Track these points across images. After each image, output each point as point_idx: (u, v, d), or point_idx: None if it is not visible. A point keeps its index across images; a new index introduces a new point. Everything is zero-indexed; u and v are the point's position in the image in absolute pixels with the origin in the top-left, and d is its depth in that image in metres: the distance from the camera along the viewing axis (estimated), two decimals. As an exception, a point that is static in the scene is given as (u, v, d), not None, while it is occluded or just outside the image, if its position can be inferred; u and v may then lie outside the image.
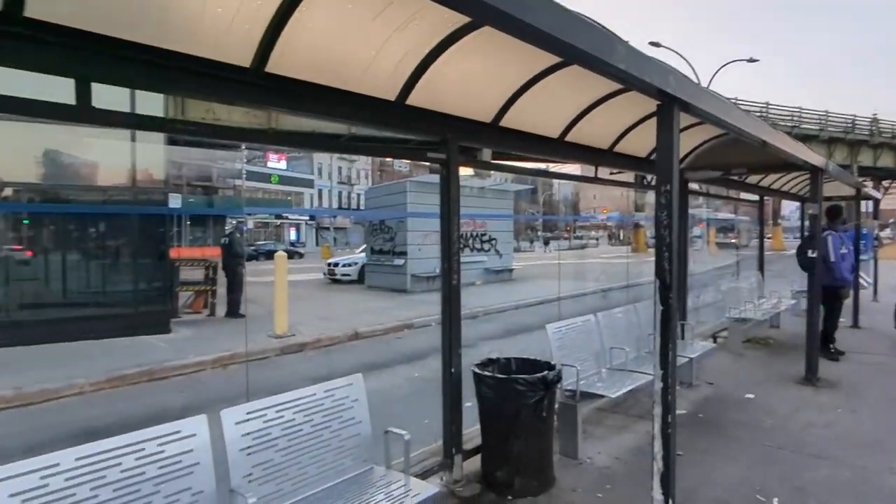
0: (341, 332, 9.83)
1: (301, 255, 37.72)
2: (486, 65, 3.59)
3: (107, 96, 2.48)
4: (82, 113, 2.36)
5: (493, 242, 19.47)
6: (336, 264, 20.34)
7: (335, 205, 61.21)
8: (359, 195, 61.14)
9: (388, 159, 65.47)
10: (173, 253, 11.23)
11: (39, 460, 2.00)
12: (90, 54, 2.29)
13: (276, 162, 50.34)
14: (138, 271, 10.27)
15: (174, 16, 2.44)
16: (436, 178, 4.23)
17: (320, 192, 58.79)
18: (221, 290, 11.77)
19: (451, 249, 3.89)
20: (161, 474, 2.25)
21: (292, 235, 53.32)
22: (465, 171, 4.19)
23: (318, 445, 2.86)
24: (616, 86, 3.87)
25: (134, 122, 3.43)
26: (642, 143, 5.57)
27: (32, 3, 2.07)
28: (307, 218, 55.91)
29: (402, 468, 2.99)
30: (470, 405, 3.91)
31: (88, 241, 10.48)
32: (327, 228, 56.39)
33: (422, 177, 18.61)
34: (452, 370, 3.86)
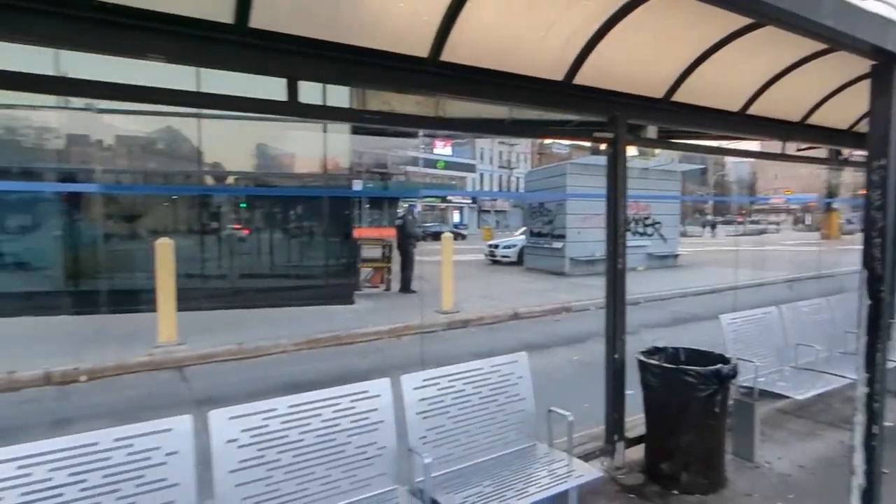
0: (502, 312, 9.98)
1: (463, 237, 38.92)
2: (659, 36, 3.33)
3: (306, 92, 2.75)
4: (292, 108, 2.66)
5: (657, 226, 18.24)
6: (496, 246, 20.62)
7: (496, 188, 61.93)
8: (518, 178, 61.09)
9: (546, 142, 64.40)
10: (355, 233, 12.29)
11: (262, 404, 2.34)
12: (298, 56, 2.56)
13: (442, 148, 52.20)
14: (329, 248, 11.46)
15: (363, 14, 2.63)
16: (596, 159, 4.08)
17: (482, 176, 59.83)
18: (395, 267, 12.60)
19: (618, 232, 3.73)
20: (352, 427, 2.50)
21: (455, 218, 55.14)
22: (628, 151, 3.96)
23: (484, 417, 2.95)
24: (817, 46, 3.35)
25: (332, 114, 3.78)
26: (843, 112, 4.78)
27: (255, 15, 2.37)
28: (470, 201, 57.38)
29: (565, 448, 2.97)
30: (631, 393, 3.74)
31: (290, 222, 12.00)
32: (488, 211, 57.40)
33: (582, 159, 18.00)
34: (616, 356, 3.73)
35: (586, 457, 3.55)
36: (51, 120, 10.64)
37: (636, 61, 3.52)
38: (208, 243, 10.99)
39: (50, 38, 2.19)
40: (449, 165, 53.57)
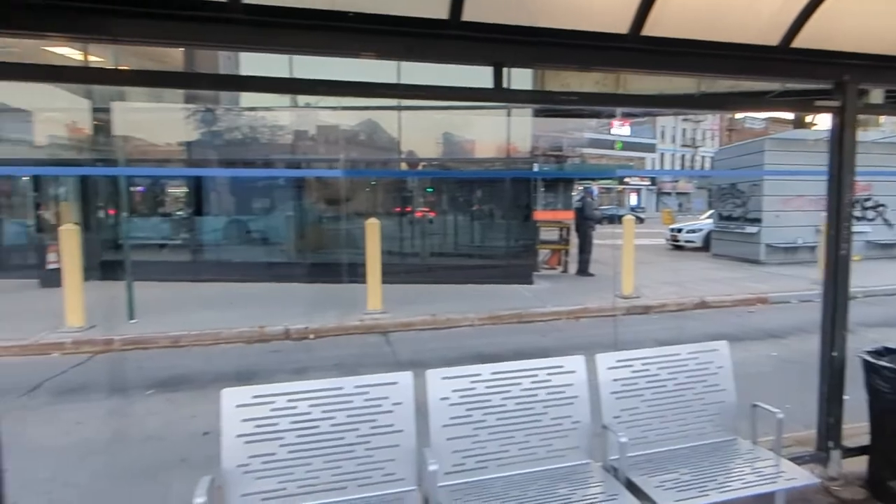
0: (687, 299, 9.26)
1: (641, 220, 36.62)
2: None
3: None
4: (497, 94, 2.73)
5: (881, 209, 15.18)
6: (679, 230, 19.06)
7: (677, 169, 57.14)
8: (703, 158, 55.57)
9: (737, 117, 57.38)
10: (534, 215, 12.33)
11: (468, 369, 2.52)
12: (504, 43, 2.61)
13: (620, 128, 49.44)
14: (510, 230, 11.71)
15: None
16: (801, 133, 3.53)
17: (662, 155, 55.53)
18: (572, 250, 12.39)
19: (842, 214, 3.21)
20: (549, 399, 2.57)
21: (632, 200, 52.09)
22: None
23: (680, 404, 2.81)
24: None
25: (532, 97, 3.78)
26: None
27: (467, 9, 2.49)
28: (648, 182, 53.68)
29: (771, 447, 2.70)
30: (847, 398, 3.24)
31: (473, 205, 12.52)
32: (669, 193, 53.19)
33: (783, 133, 15.67)
34: (834, 353, 3.25)
35: (793, 461, 3.18)
36: (280, 119, 12.47)
37: (872, 14, 2.96)
38: (402, 224, 12.00)
39: (293, 47, 2.54)
40: (627, 146, 50.63)
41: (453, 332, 7.55)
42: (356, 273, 8.59)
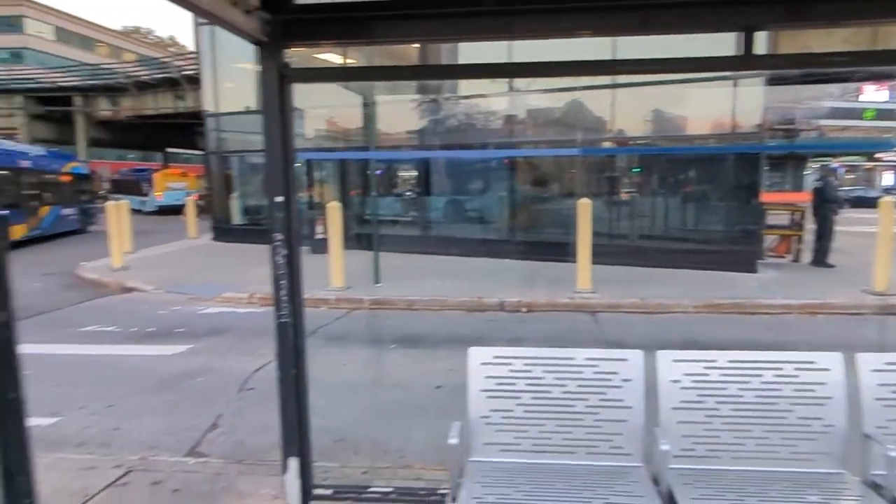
0: (970, 300, 7.22)
1: (898, 204, 29.08)
2: None
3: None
4: (746, 61, 2.41)
5: None
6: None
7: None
8: None
9: None
10: (762, 197, 10.71)
11: (701, 354, 2.38)
12: (752, 5, 2.27)
13: (874, 93, 39.55)
14: (729, 213, 10.41)
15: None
16: None
17: (936, 124, 43.05)
18: (807, 236, 10.50)
19: None
20: (795, 396, 2.29)
21: (887, 180, 41.69)
22: None
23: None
24: None
25: (790, 62, 3.18)
26: None
27: None
28: (913, 157, 42.23)
29: None
30: None
31: (686, 186, 11.40)
32: (944, 170, 41.24)
33: None
34: None
35: None
36: (491, 104, 12.90)
37: None
38: (610, 205, 11.51)
39: (529, 32, 2.48)
40: (881, 114, 40.37)
41: (664, 318, 7.07)
42: (564, 252, 8.55)
